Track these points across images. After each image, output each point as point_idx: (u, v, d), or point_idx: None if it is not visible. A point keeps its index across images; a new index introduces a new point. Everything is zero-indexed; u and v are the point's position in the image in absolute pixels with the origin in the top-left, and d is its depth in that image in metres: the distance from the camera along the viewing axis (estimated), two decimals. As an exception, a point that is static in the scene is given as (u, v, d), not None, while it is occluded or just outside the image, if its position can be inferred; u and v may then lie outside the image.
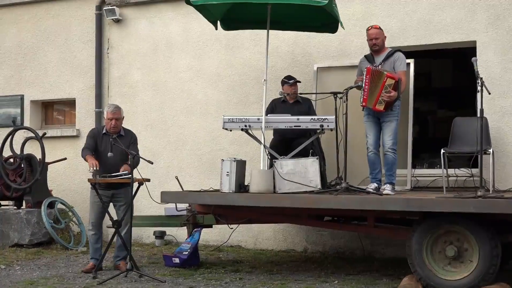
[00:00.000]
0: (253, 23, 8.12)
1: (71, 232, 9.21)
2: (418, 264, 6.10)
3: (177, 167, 9.08)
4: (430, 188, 7.56)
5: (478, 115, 6.27)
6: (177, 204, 7.65)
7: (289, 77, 7.84)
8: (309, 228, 8.27)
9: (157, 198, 7.25)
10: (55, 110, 10.49)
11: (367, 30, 7.21)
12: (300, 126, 7.16)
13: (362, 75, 7.01)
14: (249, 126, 7.23)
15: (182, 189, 7.50)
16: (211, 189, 7.59)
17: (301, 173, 6.92)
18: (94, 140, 7.32)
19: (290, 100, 7.80)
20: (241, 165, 7.21)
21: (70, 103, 10.21)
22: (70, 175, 9.84)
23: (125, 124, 7.56)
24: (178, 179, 7.55)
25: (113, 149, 7.05)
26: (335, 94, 7.01)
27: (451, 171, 7.40)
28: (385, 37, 7.24)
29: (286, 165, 6.97)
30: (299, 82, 7.87)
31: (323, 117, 7.11)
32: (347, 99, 6.85)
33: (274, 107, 7.76)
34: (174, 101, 9.36)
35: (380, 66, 7.04)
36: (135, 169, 6.98)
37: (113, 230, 7.22)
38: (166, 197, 7.22)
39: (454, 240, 6.05)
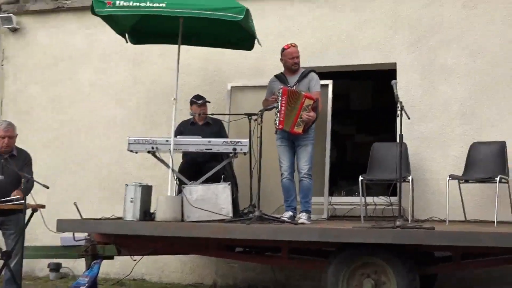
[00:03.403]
0: (164, 37, 8.06)
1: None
2: (334, 298, 6.09)
3: (77, 192, 8.86)
4: (348, 217, 7.63)
5: (398, 140, 6.34)
6: (74, 233, 7.34)
7: (197, 97, 7.81)
8: (219, 260, 8.18)
9: (52, 227, 7.00)
10: None
11: (285, 48, 7.22)
12: (211, 149, 7.14)
13: (276, 96, 7.01)
14: (157, 148, 7.15)
15: (81, 216, 7.26)
16: (113, 217, 7.43)
17: (211, 200, 6.87)
18: (-19, 161, 7.01)
19: (200, 122, 7.77)
20: (146, 191, 7.11)
21: (-42, 119, 9.80)
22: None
23: (20, 143, 7.31)
24: (76, 206, 7.28)
25: (4, 171, 6.81)
26: (249, 115, 7.00)
27: (369, 199, 7.51)
28: None
29: (195, 191, 6.91)
30: (209, 102, 7.85)
31: (236, 140, 7.11)
32: (261, 121, 6.84)
33: (183, 131, 7.66)
34: (75, 119, 9.17)
35: (294, 87, 7.07)
36: (29, 194, 6.79)
37: (1, 262, 6.89)
38: (63, 225, 6.98)
39: (372, 273, 6.06)
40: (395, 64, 7.99)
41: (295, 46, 7.21)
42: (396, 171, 6.35)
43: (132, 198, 6.90)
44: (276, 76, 7.29)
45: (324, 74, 7.74)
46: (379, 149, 7.62)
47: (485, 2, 7.80)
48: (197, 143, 7.17)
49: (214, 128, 7.72)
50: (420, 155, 7.74)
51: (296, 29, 8.37)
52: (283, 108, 6.89)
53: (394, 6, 8.10)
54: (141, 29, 7.99)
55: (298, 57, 7.18)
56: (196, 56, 8.58)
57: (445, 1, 7.92)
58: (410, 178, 7.06)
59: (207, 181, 7.11)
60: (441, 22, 7.91)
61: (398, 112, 6.24)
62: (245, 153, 7.05)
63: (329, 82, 7.89)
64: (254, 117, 6.92)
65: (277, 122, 6.95)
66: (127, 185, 7.03)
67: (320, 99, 7.12)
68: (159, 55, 8.79)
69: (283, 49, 7.22)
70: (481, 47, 7.74)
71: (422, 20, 7.97)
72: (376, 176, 7.33)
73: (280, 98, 6.90)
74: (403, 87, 7.68)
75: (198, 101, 7.73)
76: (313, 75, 7.17)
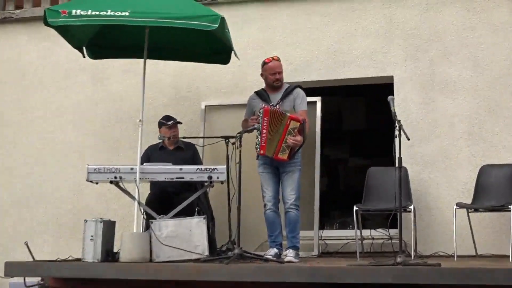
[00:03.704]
0: (127, 51, 8.03)
1: None
2: None
3: (29, 230, 8.74)
4: (341, 254, 7.61)
5: (396, 164, 6.27)
6: (25, 278, 7.22)
7: (167, 118, 7.78)
8: (194, 306, 8.03)
9: (-1, 271, 6.85)
10: None
11: (266, 62, 7.16)
12: (183, 177, 7.08)
13: (256, 117, 6.94)
14: (120, 177, 7.10)
15: (33, 258, 7.15)
16: (70, 258, 7.28)
17: (184, 237, 6.82)
18: None
19: (170, 146, 7.73)
20: (109, 227, 7.02)
21: None
22: None
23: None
24: (28, 246, 7.17)
25: None
26: (226, 138, 6.94)
27: (366, 232, 7.48)
28: None
29: (165, 226, 6.85)
30: (180, 123, 7.80)
31: (212, 167, 7.06)
32: (241, 144, 6.75)
33: (150, 156, 7.63)
34: (26, 145, 9.06)
35: (278, 105, 6.99)
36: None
37: None
38: (12, 268, 6.88)
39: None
40: (391, 77, 7.97)
41: (277, 59, 7.14)
42: (396, 199, 6.29)
43: (92, 236, 6.83)
44: (256, 92, 7.20)
45: (311, 90, 7.72)
46: (376, 175, 7.60)
47: (490, 7, 7.83)
48: (167, 171, 7.11)
49: (187, 153, 7.67)
50: (423, 181, 7.70)
51: (279, 39, 8.34)
52: (264, 131, 6.83)
53: (389, 12, 8.11)
54: (101, 42, 7.94)
55: (281, 72, 7.10)
56: (166, 71, 8.59)
57: (446, 7, 7.95)
58: (411, 207, 7.06)
59: (178, 214, 7.05)
60: (442, 30, 7.93)
61: (396, 132, 6.21)
62: (222, 182, 7.01)
63: (318, 99, 7.88)
64: (232, 140, 6.85)
65: (259, 146, 6.87)
66: (86, 220, 6.94)
67: (307, 119, 7.06)
68: (124, 71, 8.74)
69: (264, 63, 7.15)
70: (487, 57, 7.76)
71: (420, 28, 7.99)
72: (373, 205, 7.29)
73: (261, 119, 6.83)
74: (401, 104, 7.70)
75: (167, 122, 7.68)
76: (299, 92, 7.09)
